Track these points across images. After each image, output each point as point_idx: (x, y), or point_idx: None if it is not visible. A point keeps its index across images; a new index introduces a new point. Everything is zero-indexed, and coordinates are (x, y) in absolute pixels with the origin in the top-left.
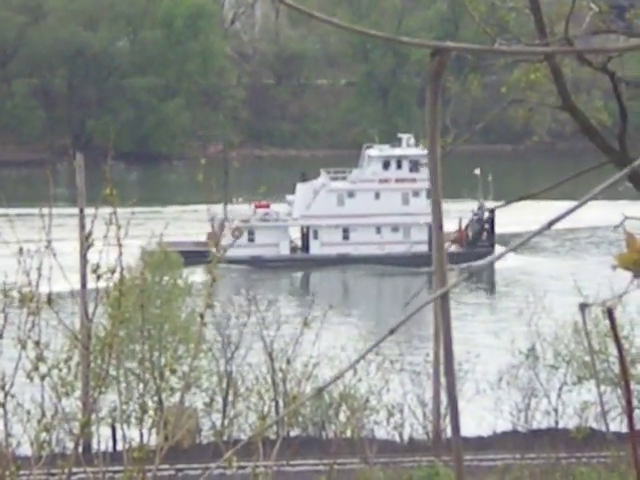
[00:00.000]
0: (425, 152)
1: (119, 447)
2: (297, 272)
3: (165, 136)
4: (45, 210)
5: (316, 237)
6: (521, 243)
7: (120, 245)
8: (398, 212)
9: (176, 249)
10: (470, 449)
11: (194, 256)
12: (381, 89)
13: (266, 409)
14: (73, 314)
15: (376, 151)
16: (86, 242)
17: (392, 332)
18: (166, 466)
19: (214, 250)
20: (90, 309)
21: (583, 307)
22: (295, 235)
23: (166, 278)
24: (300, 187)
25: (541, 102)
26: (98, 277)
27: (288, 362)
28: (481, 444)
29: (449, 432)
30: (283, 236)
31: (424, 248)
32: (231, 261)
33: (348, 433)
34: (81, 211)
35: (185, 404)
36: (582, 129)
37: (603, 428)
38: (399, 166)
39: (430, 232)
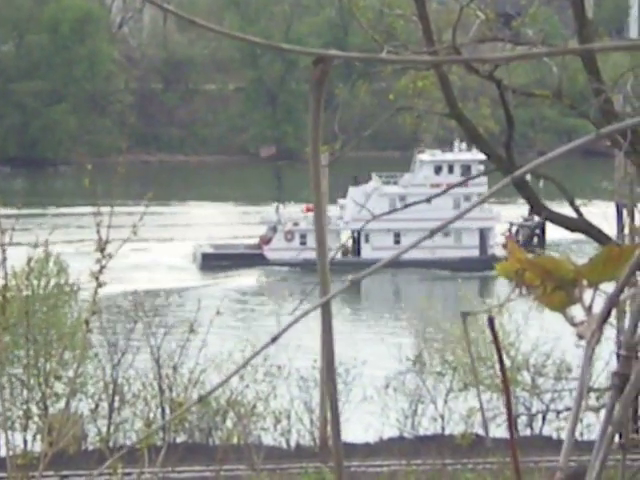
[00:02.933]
0: (478, 157)
1: (3, 453)
2: (348, 276)
3: (51, 141)
4: None
5: (367, 241)
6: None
7: (4, 250)
8: (449, 217)
9: (228, 252)
10: (356, 455)
11: (246, 259)
12: (270, 95)
13: (152, 415)
14: None
15: (428, 156)
16: None
17: (274, 340)
18: (51, 472)
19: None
20: None
21: (464, 315)
22: (345, 239)
23: (52, 283)
24: (352, 191)
25: (429, 109)
26: None
27: (175, 368)
28: (367, 450)
29: None
30: (335, 240)
31: (475, 253)
32: (283, 264)
33: (235, 439)
34: None
35: (70, 410)
36: (469, 137)
37: (488, 435)
38: (451, 171)
39: (481, 237)
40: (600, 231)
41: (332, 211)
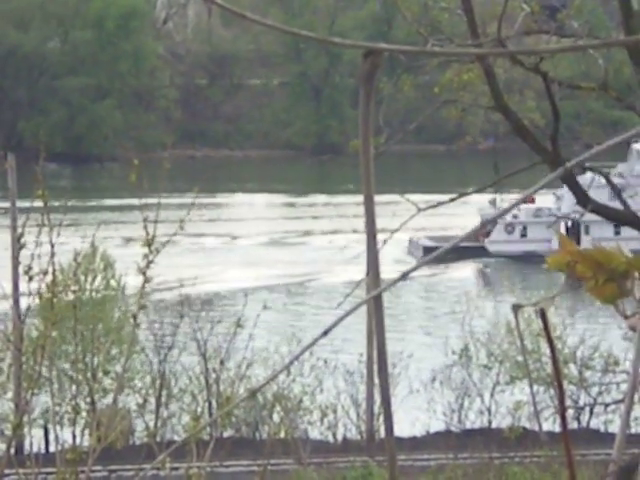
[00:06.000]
0: None
1: (52, 448)
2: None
3: (97, 137)
4: None
5: (587, 232)
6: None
7: (52, 246)
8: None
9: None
10: (403, 449)
11: (467, 251)
12: (314, 89)
13: (199, 410)
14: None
15: None
16: (17, 243)
17: (325, 334)
18: (99, 467)
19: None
20: (22, 310)
21: (516, 308)
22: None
23: (99, 278)
24: None
25: (474, 102)
26: (30, 278)
27: (222, 363)
28: (414, 444)
29: (382, 432)
30: (551, 231)
31: None
32: (504, 256)
33: (282, 434)
34: (13, 211)
35: (118, 405)
36: (515, 129)
37: (536, 428)
38: None
39: None
40: None
41: (548, 202)
